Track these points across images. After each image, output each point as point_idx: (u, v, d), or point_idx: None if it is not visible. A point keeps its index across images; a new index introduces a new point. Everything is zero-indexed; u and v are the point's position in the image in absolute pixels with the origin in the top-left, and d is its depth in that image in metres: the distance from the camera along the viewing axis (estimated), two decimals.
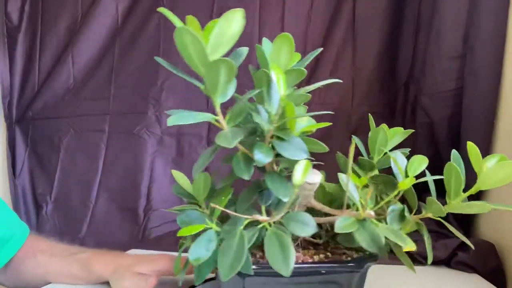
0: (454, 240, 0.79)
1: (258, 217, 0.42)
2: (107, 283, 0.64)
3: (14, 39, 1.20)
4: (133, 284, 0.59)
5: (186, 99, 1.14)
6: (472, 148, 0.44)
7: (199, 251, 0.41)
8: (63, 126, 1.17)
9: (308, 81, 1.06)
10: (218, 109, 0.40)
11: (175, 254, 0.60)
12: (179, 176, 0.51)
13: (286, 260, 0.38)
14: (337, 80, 0.47)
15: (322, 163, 0.50)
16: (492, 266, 0.74)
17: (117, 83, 1.16)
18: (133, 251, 0.89)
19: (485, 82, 0.82)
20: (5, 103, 1.20)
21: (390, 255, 0.80)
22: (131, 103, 1.15)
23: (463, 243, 0.76)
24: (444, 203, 0.48)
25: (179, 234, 0.42)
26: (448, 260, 0.76)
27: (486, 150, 0.83)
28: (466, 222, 0.88)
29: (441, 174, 0.97)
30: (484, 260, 0.74)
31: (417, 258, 0.77)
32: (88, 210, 1.13)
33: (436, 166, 0.93)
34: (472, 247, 0.53)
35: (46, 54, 1.20)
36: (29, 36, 1.20)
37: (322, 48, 0.54)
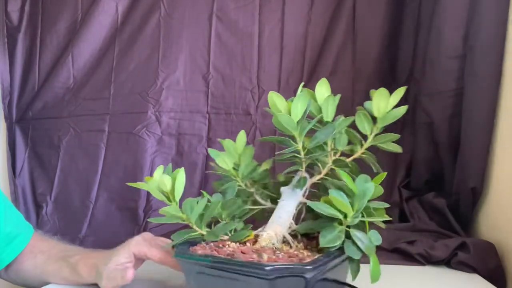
0: (454, 240, 0.78)
1: None
2: None
3: (14, 39, 1.19)
4: (109, 280, 0.59)
5: (186, 99, 1.14)
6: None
7: None
8: (63, 126, 1.17)
9: (308, 81, 1.06)
10: None
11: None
12: None
13: None
14: None
15: None
16: (492, 266, 0.74)
17: (117, 83, 1.16)
18: None
19: (485, 82, 0.82)
20: (5, 103, 1.20)
21: (390, 255, 0.81)
22: (131, 103, 1.15)
23: (463, 243, 0.76)
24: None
25: None
26: (448, 260, 0.76)
27: (486, 150, 0.83)
28: (466, 221, 0.88)
29: (441, 174, 0.97)
30: (484, 260, 0.74)
31: (417, 258, 0.77)
32: (88, 210, 1.13)
33: (435, 166, 0.93)
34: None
35: (46, 54, 1.19)
36: (29, 36, 1.20)
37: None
